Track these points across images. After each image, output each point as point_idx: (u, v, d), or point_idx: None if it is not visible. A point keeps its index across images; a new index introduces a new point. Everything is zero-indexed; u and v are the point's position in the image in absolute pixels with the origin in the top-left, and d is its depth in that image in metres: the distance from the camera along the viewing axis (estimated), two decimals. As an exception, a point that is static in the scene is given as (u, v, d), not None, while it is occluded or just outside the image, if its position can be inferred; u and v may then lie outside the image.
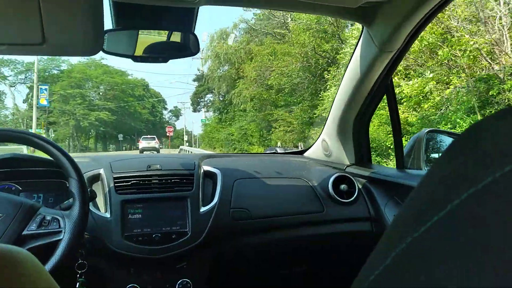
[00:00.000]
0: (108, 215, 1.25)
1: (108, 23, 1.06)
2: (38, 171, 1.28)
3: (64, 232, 0.98)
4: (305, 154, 1.95)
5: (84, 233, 1.06)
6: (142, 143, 28.36)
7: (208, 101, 37.35)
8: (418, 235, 0.24)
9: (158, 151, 25.37)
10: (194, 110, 39.69)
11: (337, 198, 1.48)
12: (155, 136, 30.97)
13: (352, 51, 1.40)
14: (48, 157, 1.10)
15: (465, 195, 0.23)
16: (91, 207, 1.25)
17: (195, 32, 1.12)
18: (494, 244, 0.20)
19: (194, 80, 36.77)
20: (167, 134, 43.19)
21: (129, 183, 1.32)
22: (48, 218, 0.99)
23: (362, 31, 1.30)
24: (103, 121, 40.10)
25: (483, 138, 0.26)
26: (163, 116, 56.28)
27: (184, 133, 46.02)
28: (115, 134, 42.59)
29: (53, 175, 1.29)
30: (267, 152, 2.18)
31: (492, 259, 0.20)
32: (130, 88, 43.84)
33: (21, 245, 0.93)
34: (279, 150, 2.54)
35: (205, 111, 37.59)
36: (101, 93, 42.73)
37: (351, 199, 1.49)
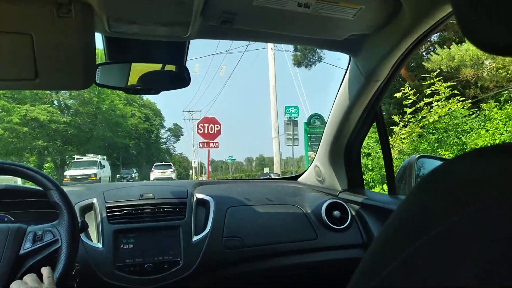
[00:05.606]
0: (100, 245, 1.24)
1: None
2: (30, 201, 1.27)
3: (61, 239, 0.99)
4: (299, 179, 1.95)
5: (78, 241, 1.05)
6: (155, 173, 24.17)
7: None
8: None
9: None
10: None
11: (330, 225, 1.47)
12: (171, 164, 26.65)
13: (341, 79, 1.43)
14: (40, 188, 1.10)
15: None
16: (83, 238, 1.24)
17: (187, 63, 1.15)
18: None
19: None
20: (205, 141, 15.24)
21: (122, 213, 1.32)
22: (40, 232, 1.00)
23: (349, 60, 1.34)
24: (42, 126, 18.91)
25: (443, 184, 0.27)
26: (160, 135, 40.42)
27: (193, 156, 31.42)
28: (72, 157, 20.91)
29: (44, 205, 1.29)
30: (261, 178, 2.18)
31: None
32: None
33: (22, 265, 0.94)
34: (273, 176, 2.54)
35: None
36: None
37: (344, 225, 1.49)
